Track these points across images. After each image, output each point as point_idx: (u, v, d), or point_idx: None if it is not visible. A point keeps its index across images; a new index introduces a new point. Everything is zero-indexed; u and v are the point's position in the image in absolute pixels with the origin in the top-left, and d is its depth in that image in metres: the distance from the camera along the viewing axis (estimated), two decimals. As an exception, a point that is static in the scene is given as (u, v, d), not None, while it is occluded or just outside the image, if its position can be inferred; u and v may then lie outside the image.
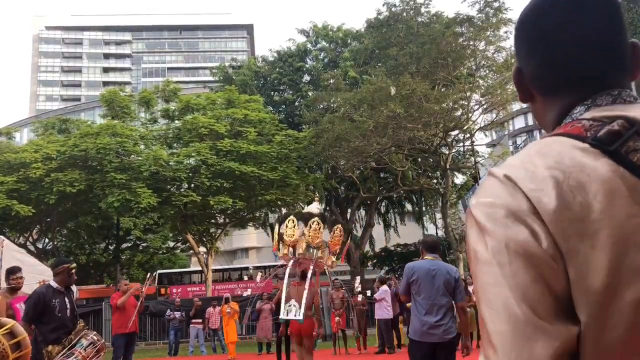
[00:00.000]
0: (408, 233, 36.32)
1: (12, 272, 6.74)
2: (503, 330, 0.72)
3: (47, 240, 32.67)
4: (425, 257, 5.44)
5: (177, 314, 18.34)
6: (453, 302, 5.29)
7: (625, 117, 0.79)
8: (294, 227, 9.19)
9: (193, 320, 17.81)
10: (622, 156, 0.75)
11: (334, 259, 9.48)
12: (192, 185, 26.27)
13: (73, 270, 5.87)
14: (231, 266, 42.07)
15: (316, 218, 9.08)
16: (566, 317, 0.72)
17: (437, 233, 39.87)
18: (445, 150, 25.60)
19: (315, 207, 9.97)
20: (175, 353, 17.92)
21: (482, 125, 25.77)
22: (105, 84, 77.31)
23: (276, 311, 13.53)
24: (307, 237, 9.05)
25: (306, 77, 33.66)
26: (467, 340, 5.50)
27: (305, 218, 9.26)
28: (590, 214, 0.72)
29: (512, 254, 0.74)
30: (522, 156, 0.81)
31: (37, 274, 9.44)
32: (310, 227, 9.03)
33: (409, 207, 35.19)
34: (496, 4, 22.05)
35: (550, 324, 0.71)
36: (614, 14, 0.89)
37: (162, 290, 33.45)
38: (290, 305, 8.30)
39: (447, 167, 24.95)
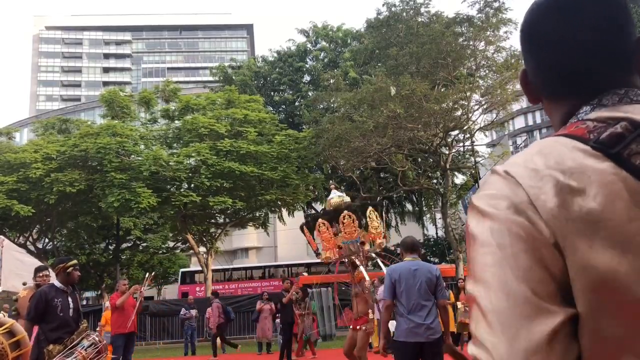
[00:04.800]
0: (408, 233, 35.99)
1: (39, 269, 7.03)
2: (501, 308, 0.72)
3: (47, 240, 32.66)
4: (405, 259, 5.45)
5: (193, 312, 17.95)
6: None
7: (630, 119, 0.79)
8: (353, 221, 8.88)
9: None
10: (624, 159, 0.75)
11: (379, 241, 9.23)
12: (192, 185, 26.26)
13: (70, 269, 5.84)
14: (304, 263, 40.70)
15: (345, 211, 8.80)
16: (564, 299, 0.73)
17: (437, 233, 39.93)
18: (445, 150, 25.59)
19: (337, 195, 9.61)
20: (193, 352, 17.68)
21: (482, 125, 25.76)
22: (105, 84, 77.35)
23: (282, 312, 13.48)
24: (344, 234, 8.78)
25: (306, 77, 33.67)
26: (447, 338, 5.52)
27: (335, 213, 8.95)
28: (589, 215, 0.72)
29: (514, 237, 0.74)
30: (524, 155, 0.82)
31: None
32: (344, 223, 8.77)
33: (409, 207, 35.17)
34: (496, 4, 22.06)
35: (548, 304, 0.72)
36: (613, 12, 0.88)
37: None
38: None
39: (447, 167, 24.94)
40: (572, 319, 0.72)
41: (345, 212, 8.81)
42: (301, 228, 9.55)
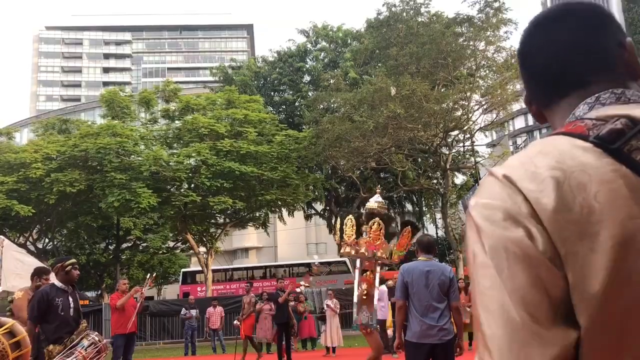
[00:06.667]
0: (408, 233, 36.16)
1: (44, 272, 7.04)
2: (499, 334, 0.71)
3: (47, 240, 32.68)
4: (420, 258, 5.40)
5: (194, 312, 17.92)
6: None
7: (629, 115, 0.78)
8: (352, 226, 8.80)
9: None
10: (625, 155, 0.73)
11: (399, 254, 9.14)
12: (192, 185, 26.28)
13: (68, 268, 5.82)
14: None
15: (377, 219, 8.71)
16: (565, 322, 0.70)
17: (437, 233, 39.90)
18: (445, 151, 25.61)
19: (375, 201, 9.52)
20: (193, 352, 17.65)
21: (482, 126, 25.78)
22: (106, 84, 77.33)
23: (277, 312, 13.48)
24: (367, 238, 8.65)
25: (306, 78, 33.69)
26: (461, 340, 5.47)
27: (367, 216, 8.84)
28: (590, 215, 0.70)
29: (510, 256, 0.72)
30: (523, 156, 0.80)
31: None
32: (371, 227, 8.65)
33: (409, 207, 35.16)
34: (496, 4, 22.09)
35: (547, 330, 0.70)
36: (598, 23, 0.90)
37: None
38: (364, 312, 8.01)
39: (447, 167, 24.96)
40: (572, 341, 0.70)
41: (377, 219, 8.74)
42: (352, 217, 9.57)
